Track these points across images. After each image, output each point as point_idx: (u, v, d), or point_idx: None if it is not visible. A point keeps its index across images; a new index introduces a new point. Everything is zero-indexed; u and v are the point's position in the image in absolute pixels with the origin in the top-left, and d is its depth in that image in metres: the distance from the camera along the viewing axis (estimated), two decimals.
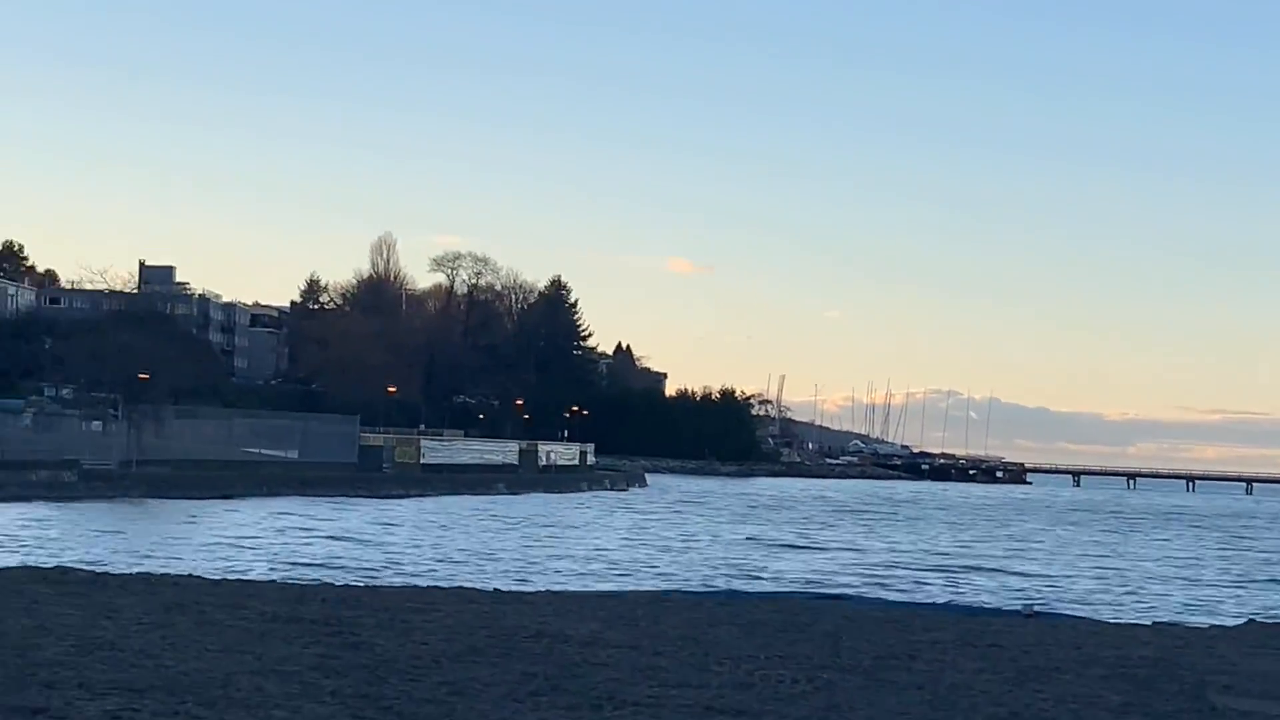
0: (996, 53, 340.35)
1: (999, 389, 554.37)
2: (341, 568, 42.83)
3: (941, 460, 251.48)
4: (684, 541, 63.26)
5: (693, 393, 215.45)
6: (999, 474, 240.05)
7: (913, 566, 53.47)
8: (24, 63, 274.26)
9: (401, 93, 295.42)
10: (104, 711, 11.89)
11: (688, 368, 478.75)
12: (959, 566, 54.17)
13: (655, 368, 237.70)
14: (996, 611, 29.76)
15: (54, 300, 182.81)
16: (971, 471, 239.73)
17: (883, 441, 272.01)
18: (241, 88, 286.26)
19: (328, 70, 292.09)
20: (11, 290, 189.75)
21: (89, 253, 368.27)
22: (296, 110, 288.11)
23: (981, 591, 43.16)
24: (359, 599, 22.56)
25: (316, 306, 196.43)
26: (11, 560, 36.31)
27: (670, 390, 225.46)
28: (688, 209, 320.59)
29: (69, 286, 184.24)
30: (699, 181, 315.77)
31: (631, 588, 37.03)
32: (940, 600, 36.50)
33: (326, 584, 29.26)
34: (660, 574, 45.73)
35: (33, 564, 31.38)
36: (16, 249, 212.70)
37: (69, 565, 29.31)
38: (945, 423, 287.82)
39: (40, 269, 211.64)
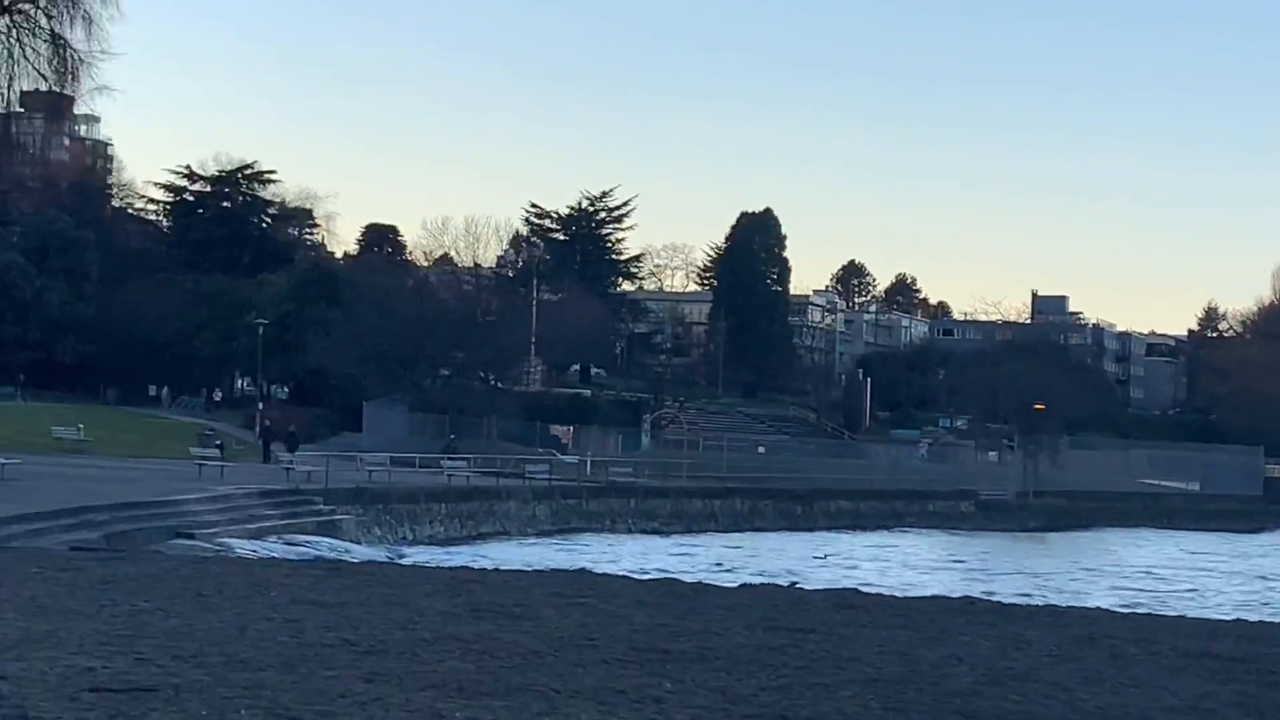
0: None
1: None
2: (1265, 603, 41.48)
3: None
4: None
5: None
6: None
7: None
8: (939, 94, 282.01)
9: None
10: None
11: None
12: None
13: None
14: None
15: (947, 332, 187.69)
16: None
17: None
18: (1147, 99, 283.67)
19: (1203, 73, 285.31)
20: (905, 323, 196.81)
21: (981, 284, 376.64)
22: (1188, 127, 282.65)
23: None
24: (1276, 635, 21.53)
25: (1215, 334, 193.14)
26: (922, 590, 37.11)
27: None
28: None
29: (961, 318, 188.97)
30: None
31: None
32: None
33: (1240, 620, 28.17)
34: None
35: (940, 594, 31.83)
36: (910, 282, 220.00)
37: (974, 596, 29.56)
38: None
39: (933, 301, 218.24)
